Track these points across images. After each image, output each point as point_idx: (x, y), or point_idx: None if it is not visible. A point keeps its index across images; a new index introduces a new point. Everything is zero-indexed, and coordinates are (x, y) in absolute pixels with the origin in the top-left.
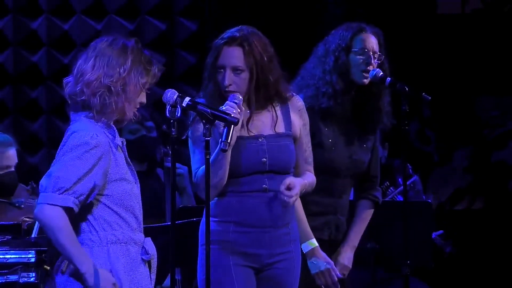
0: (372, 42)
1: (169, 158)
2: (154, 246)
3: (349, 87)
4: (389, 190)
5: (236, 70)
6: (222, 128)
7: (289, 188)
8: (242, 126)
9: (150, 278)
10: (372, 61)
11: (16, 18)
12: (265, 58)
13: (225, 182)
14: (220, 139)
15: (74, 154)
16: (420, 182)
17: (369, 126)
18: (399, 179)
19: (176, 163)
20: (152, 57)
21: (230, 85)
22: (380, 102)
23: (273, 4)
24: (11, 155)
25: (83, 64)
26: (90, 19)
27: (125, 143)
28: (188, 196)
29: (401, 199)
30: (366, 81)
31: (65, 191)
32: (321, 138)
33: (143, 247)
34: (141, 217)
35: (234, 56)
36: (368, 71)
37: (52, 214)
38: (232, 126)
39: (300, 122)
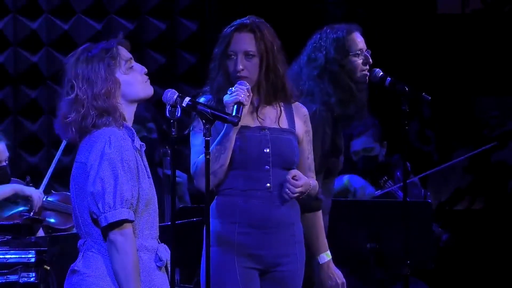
0: (362, 40)
1: (168, 158)
2: (168, 252)
3: (356, 88)
4: (388, 184)
5: (247, 55)
6: (231, 107)
7: (294, 179)
8: (251, 113)
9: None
10: (370, 59)
11: (16, 18)
12: (275, 46)
13: (225, 170)
14: (233, 115)
15: (116, 165)
16: (418, 180)
17: (354, 121)
18: (397, 173)
19: (176, 171)
20: (107, 42)
21: (242, 69)
22: (364, 96)
23: (273, 4)
24: (1, 150)
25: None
26: (90, 19)
27: (144, 148)
28: (186, 204)
29: (401, 194)
30: (366, 79)
31: (127, 204)
32: (338, 145)
33: (156, 254)
34: (156, 224)
35: (246, 41)
36: (367, 69)
37: (127, 233)
38: (242, 105)
39: (303, 127)
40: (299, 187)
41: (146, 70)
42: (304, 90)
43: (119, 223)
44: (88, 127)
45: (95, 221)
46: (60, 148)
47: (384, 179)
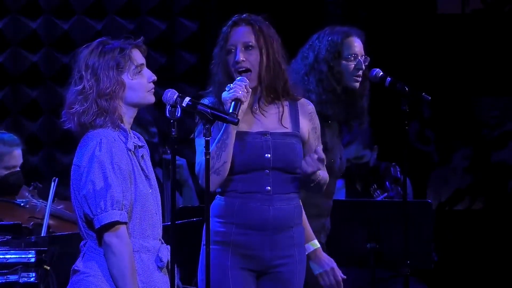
0: (359, 46)
1: (168, 152)
2: (169, 253)
3: (344, 92)
4: (376, 193)
5: (247, 47)
6: (229, 103)
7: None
8: (253, 115)
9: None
10: (363, 66)
11: (16, 18)
12: (275, 42)
13: (228, 168)
14: (229, 112)
15: (106, 167)
16: (410, 185)
17: (353, 125)
18: (387, 182)
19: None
20: (120, 40)
21: (243, 60)
22: (364, 102)
23: (273, 4)
24: (17, 155)
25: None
26: (90, 19)
27: (143, 147)
28: (189, 189)
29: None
30: (357, 84)
31: (118, 205)
32: (325, 141)
33: (157, 254)
34: (158, 224)
35: (244, 33)
36: (359, 76)
37: (121, 235)
38: (239, 102)
39: (309, 125)
40: (316, 164)
41: (155, 78)
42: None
43: (111, 225)
44: (86, 124)
45: (91, 223)
46: (51, 191)
47: (373, 187)
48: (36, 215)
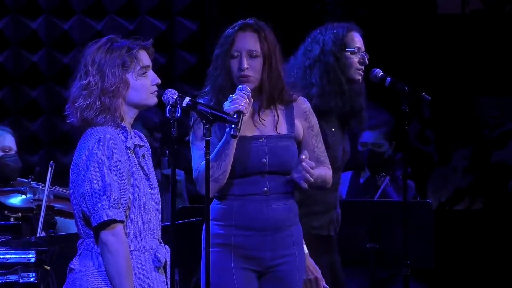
0: (360, 41)
1: (166, 158)
2: (169, 252)
3: (348, 84)
4: (385, 181)
5: (251, 54)
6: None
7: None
8: (250, 120)
9: (167, 284)
10: (366, 60)
11: (16, 18)
12: (277, 49)
13: (227, 176)
14: (229, 126)
15: (104, 165)
16: (413, 186)
17: (354, 121)
18: (397, 173)
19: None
20: (131, 40)
21: (247, 68)
22: (362, 100)
23: (273, 4)
24: (11, 139)
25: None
26: (90, 19)
27: (144, 146)
28: (183, 201)
29: (393, 195)
30: (360, 78)
31: (115, 204)
32: (325, 138)
33: (155, 254)
34: (157, 224)
35: (250, 40)
36: (362, 70)
37: (118, 233)
38: (242, 114)
39: (305, 124)
40: (312, 173)
41: (159, 81)
42: (290, 82)
43: (108, 223)
44: (88, 119)
45: (88, 221)
46: (47, 178)
47: (382, 175)
48: (39, 197)
